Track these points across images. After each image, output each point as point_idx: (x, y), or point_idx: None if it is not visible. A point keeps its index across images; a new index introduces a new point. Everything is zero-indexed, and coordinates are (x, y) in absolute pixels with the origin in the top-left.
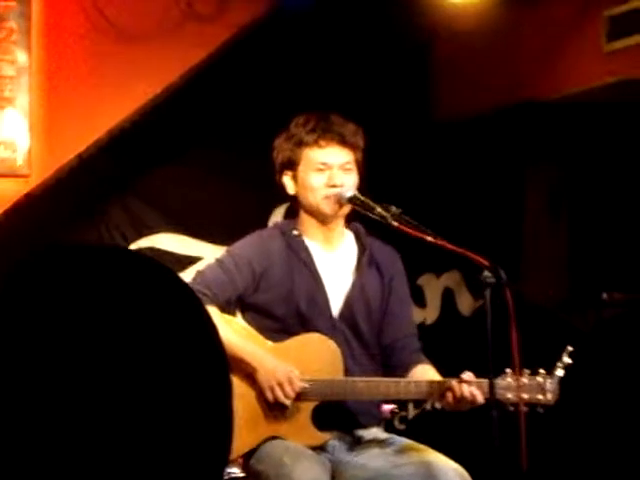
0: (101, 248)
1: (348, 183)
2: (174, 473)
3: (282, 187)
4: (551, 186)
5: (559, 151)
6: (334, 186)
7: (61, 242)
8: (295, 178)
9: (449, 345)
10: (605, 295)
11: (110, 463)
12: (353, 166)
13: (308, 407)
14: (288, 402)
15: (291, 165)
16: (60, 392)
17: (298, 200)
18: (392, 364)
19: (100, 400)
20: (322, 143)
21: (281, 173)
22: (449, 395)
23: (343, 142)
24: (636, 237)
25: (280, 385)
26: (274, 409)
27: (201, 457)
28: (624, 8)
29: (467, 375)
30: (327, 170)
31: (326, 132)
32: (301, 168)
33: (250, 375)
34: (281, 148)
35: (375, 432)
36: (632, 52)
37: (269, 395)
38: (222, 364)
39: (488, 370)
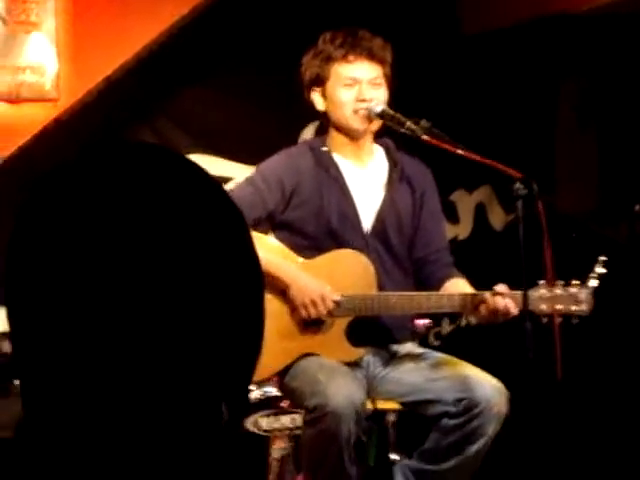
0: (157, 148)
1: (378, 97)
2: (202, 376)
3: (311, 104)
4: (582, 98)
5: (589, 63)
6: (363, 100)
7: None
8: (324, 94)
9: (482, 260)
10: (637, 207)
11: (140, 355)
12: (382, 81)
13: (342, 323)
14: (323, 318)
15: (320, 81)
16: (97, 284)
17: (327, 116)
18: (424, 277)
19: (134, 295)
20: (350, 58)
21: (310, 90)
22: (483, 307)
23: (372, 56)
24: None
25: (313, 302)
26: (308, 326)
27: (229, 364)
28: None
29: (500, 287)
30: (356, 85)
31: (354, 47)
32: (330, 84)
33: (283, 292)
34: (309, 65)
35: (410, 347)
36: None
37: (303, 312)
38: (257, 279)
39: (521, 282)
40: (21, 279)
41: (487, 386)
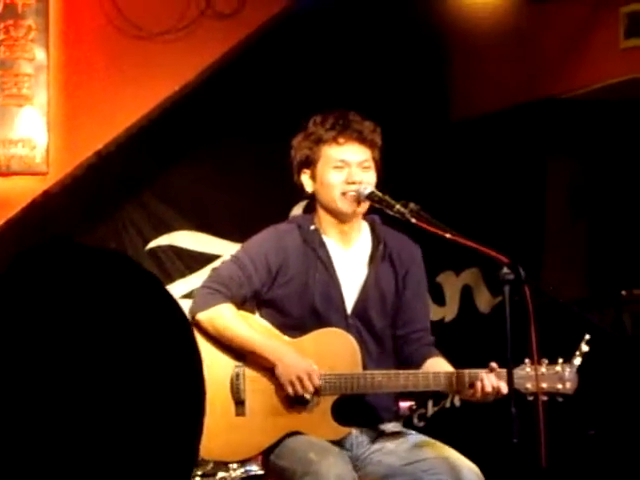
0: (99, 250)
1: (367, 180)
2: (144, 469)
3: (300, 186)
4: (571, 183)
5: (579, 148)
6: (353, 183)
7: (65, 238)
8: (313, 176)
9: (468, 341)
10: (624, 292)
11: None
12: (371, 164)
13: (328, 401)
14: (308, 396)
15: (309, 163)
16: (37, 382)
17: (316, 198)
18: (405, 356)
19: (73, 396)
20: (341, 140)
21: (299, 172)
22: (477, 387)
23: (362, 139)
24: None
25: (300, 379)
26: (294, 404)
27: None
28: None
29: (493, 365)
30: (346, 167)
31: (345, 129)
32: (319, 166)
33: (269, 370)
34: (299, 146)
35: (393, 427)
36: None
37: (289, 389)
38: (199, 385)
39: (507, 364)
40: None
41: (464, 470)
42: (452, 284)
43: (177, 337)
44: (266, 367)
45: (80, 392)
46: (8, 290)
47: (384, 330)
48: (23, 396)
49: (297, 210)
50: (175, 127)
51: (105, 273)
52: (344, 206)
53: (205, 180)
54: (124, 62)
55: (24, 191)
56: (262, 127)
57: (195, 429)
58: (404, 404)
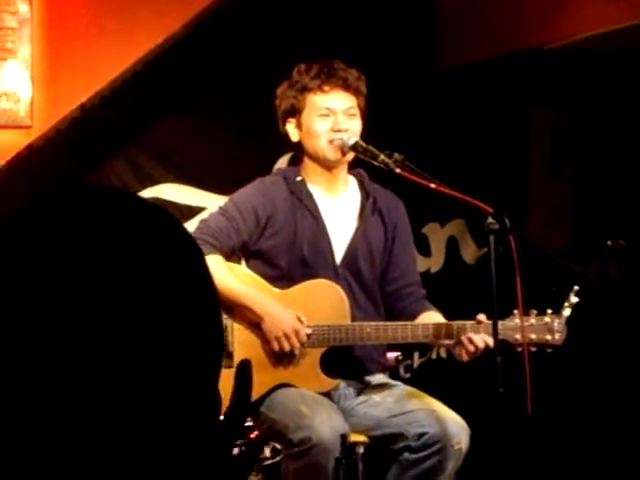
0: (109, 190)
1: (352, 128)
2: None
3: (285, 135)
4: (555, 134)
5: (562, 99)
6: (339, 130)
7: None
8: (299, 125)
9: (454, 293)
10: (610, 243)
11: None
12: (357, 111)
13: (316, 353)
14: (295, 352)
15: (295, 112)
16: (54, 324)
17: (302, 147)
18: (397, 311)
19: (90, 334)
20: (326, 88)
21: (284, 121)
22: (463, 349)
23: (347, 87)
24: (638, 184)
25: (286, 336)
26: (282, 356)
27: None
28: None
29: (481, 316)
30: (331, 115)
31: (329, 77)
32: (305, 114)
33: (257, 324)
34: (284, 95)
35: (380, 378)
36: None
37: (275, 346)
38: (216, 321)
39: (494, 314)
40: None
41: (449, 422)
42: (437, 235)
43: (193, 272)
44: (253, 320)
45: (97, 334)
46: (20, 238)
47: (373, 283)
48: (38, 346)
49: (282, 163)
50: (159, 80)
51: (116, 212)
52: (330, 153)
53: (190, 133)
54: (107, 15)
55: (8, 145)
56: (247, 78)
57: (215, 366)
58: (390, 355)
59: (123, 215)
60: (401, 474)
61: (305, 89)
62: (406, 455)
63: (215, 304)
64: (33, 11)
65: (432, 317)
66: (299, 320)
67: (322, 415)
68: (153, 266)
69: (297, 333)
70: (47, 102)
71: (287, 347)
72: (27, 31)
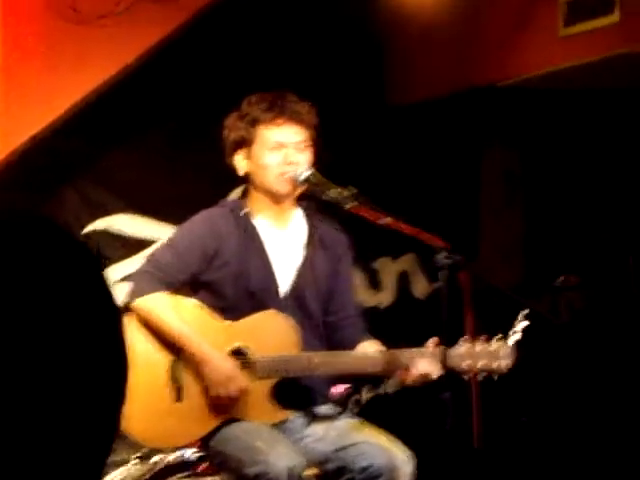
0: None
1: (303, 161)
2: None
3: (232, 167)
4: (507, 170)
5: (515, 135)
6: (290, 164)
7: None
8: (248, 157)
9: (404, 329)
10: (561, 279)
11: None
12: (308, 144)
13: (267, 384)
14: (234, 396)
15: (244, 144)
16: None
17: (250, 179)
18: (337, 341)
19: None
20: (278, 121)
21: (232, 152)
22: (405, 374)
23: (299, 120)
24: (590, 221)
25: (223, 385)
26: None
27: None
28: None
29: (431, 341)
30: (283, 149)
31: (283, 110)
32: (256, 147)
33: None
34: (233, 127)
35: (326, 409)
36: (587, 37)
37: (213, 392)
38: (121, 369)
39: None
40: None
41: (393, 453)
42: (389, 270)
43: (97, 302)
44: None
45: None
46: None
47: (318, 313)
48: None
49: (235, 194)
50: (111, 111)
51: (24, 236)
52: (281, 187)
53: (141, 164)
54: (61, 46)
55: None
56: (199, 110)
57: (115, 400)
58: (339, 388)
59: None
60: None
61: (256, 121)
62: None
63: (118, 339)
64: None
65: (372, 347)
66: (243, 355)
67: (278, 449)
68: (51, 293)
69: (234, 380)
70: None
71: (223, 395)
72: None
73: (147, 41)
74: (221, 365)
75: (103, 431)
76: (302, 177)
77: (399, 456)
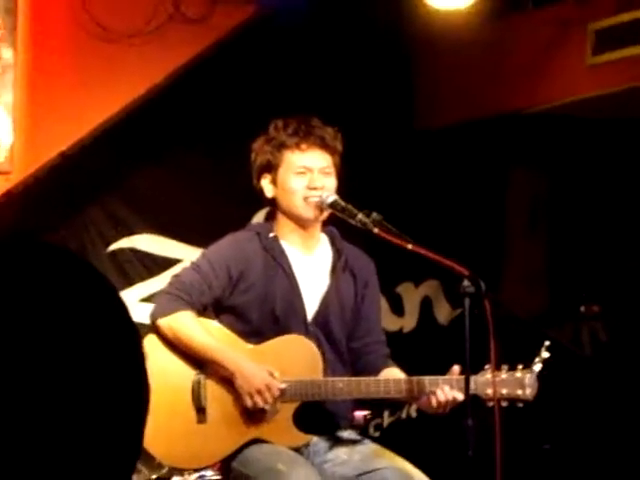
0: (42, 245)
1: (328, 186)
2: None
3: (260, 191)
4: (532, 197)
5: (540, 162)
6: (315, 189)
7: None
8: (274, 181)
9: (426, 354)
10: (583, 308)
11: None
12: (332, 170)
13: (289, 408)
14: (268, 407)
15: (270, 168)
16: None
17: (277, 203)
18: (360, 367)
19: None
20: (303, 146)
21: (259, 176)
22: (432, 399)
23: (324, 146)
24: (615, 249)
25: (259, 392)
26: (254, 412)
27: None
28: (609, 22)
29: (455, 368)
30: (308, 173)
31: (307, 135)
32: (281, 171)
33: (228, 379)
34: (260, 151)
35: (349, 434)
36: (615, 66)
37: (247, 401)
38: (142, 398)
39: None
40: None
41: None
42: (411, 295)
43: (117, 330)
44: (225, 376)
45: (17, 388)
46: None
47: (343, 339)
48: None
49: (258, 218)
50: (140, 130)
51: (45, 268)
52: (306, 212)
53: (168, 184)
54: (91, 64)
55: None
56: (227, 131)
57: (136, 424)
58: (360, 413)
59: (47, 272)
60: None
61: (282, 146)
62: None
63: (139, 363)
64: (17, 57)
65: (394, 373)
66: (271, 375)
67: (299, 472)
68: (72, 324)
69: (269, 388)
70: (28, 148)
71: (260, 402)
72: (10, 76)
73: (176, 61)
74: (256, 374)
75: (124, 453)
76: (328, 201)
77: None
